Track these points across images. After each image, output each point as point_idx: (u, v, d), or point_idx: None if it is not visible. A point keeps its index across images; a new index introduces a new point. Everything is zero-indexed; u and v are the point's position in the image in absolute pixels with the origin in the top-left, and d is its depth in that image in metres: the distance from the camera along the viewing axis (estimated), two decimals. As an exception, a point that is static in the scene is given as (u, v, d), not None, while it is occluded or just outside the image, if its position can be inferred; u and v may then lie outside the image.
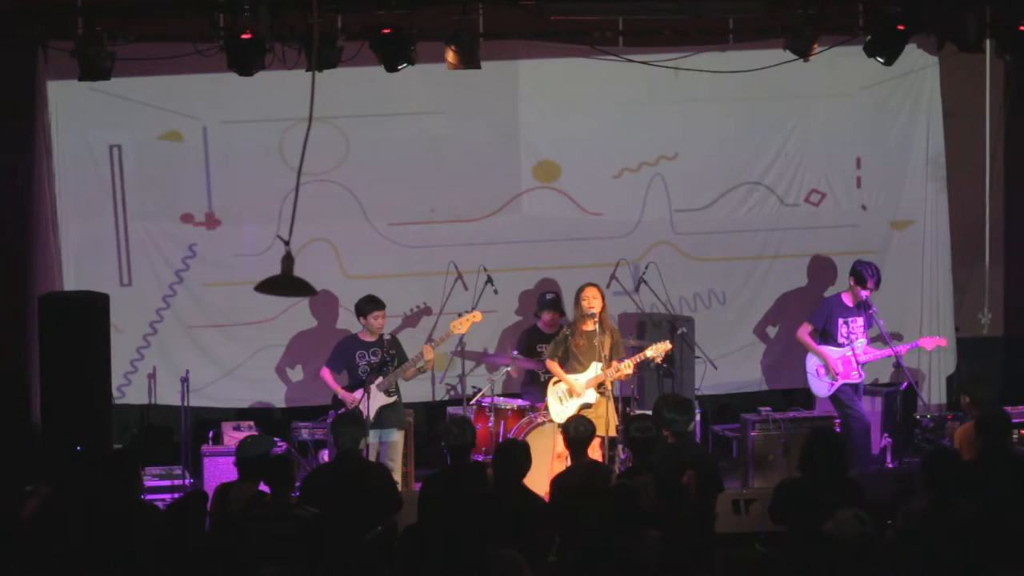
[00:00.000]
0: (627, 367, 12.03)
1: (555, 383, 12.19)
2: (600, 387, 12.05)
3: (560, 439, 11.88)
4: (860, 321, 12.57)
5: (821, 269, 14.04)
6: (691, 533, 8.90)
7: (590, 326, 12.08)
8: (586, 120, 13.71)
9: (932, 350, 13.25)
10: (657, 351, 12.07)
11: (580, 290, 12.17)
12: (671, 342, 12.30)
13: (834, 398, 12.62)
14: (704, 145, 13.89)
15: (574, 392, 12.05)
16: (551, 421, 12.08)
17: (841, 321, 12.57)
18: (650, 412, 10.62)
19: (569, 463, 10.92)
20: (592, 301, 12.05)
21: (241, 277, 13.07)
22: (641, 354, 12.07)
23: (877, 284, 12.52)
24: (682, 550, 8.51)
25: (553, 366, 12.20)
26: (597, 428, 11.12)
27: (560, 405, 12.09)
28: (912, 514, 8.54)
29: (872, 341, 12.72)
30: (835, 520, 7.84)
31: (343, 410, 11.77)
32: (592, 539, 7.98)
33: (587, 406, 11.96)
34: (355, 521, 9.06)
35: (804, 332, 12.72)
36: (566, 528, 8.93)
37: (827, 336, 12.62)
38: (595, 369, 12.05)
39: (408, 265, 13.56)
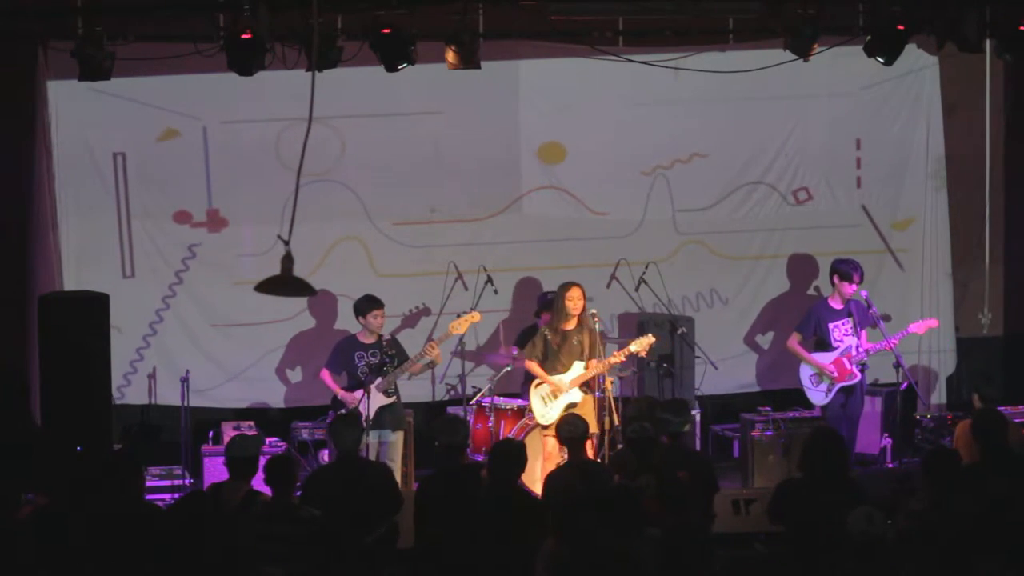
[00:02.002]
0: (616, 357, 11.99)
1: (537, 385, 12.14)
2: (584, 385, 12.05)
3: (548, 441, 11.93)
4: (851, 321, 12.54)
5: (803, 269, 14.03)
6: (692, 534, 8.90)
7: (570, 325, 12.06)
8: (586, 120, 13.70)
9: (925, 333, 13.18)
10: (641, 345, 12.05)
11: (564, 290, 12.05)
12: (655, 335, 12.25)
13: (824, 407, 12.58)
14: (704, 145, 13.88)
15: (559, 391, 12.01)
16: (538, 424, 12.07)
17: (832, 325, 12.53)
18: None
19: (560, 462, 10.96)
20: (576, 301, 12.02)
21: (241, 277, 13.08)
22: (625, 349, 12.04)
23: (862, 276, 12.51)
24: (683, 551, 8.51)
25: (533, 366, 12.13)
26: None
27: (544, 406, 12.05)
28: (912, 514, 8.54)
29: (871, 337, 12.69)
30: (852, 515, 7.87)
31: (342, 411, 11.78)
32: (588, 538, 7.97)
33: (572, 405, 11.94)
34: (357, 522, 9.06)
35: (793, 342, 12.69)
36: (560, 527, 8.92)
37: (822, 343, 12.59)
38: (578, 368, 12.03)
39: (409, 265, 13.55)
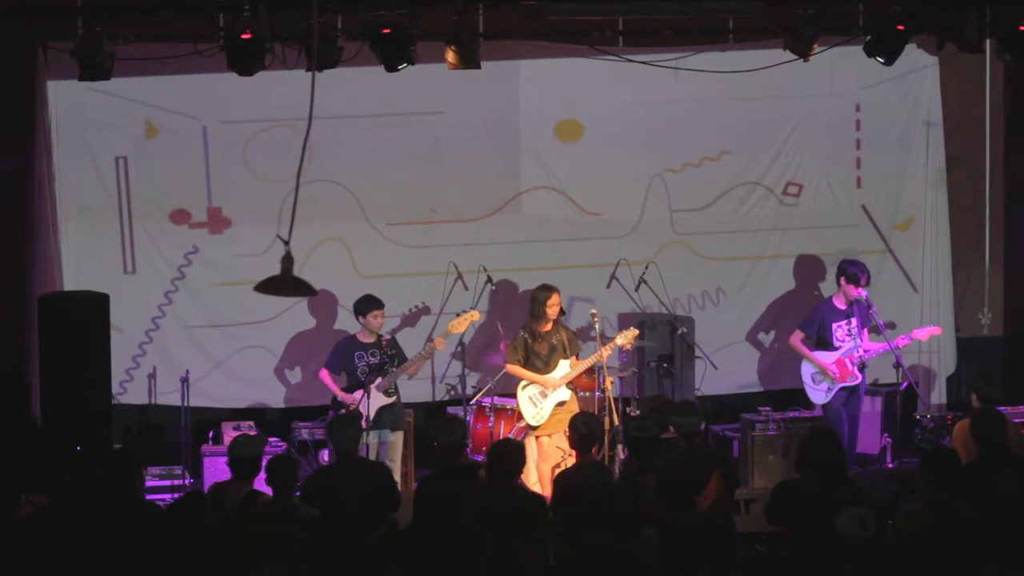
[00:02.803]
0: (605, 351, 12.01)
1: (524, 387, 12.13)
2: (569, 383, 12.07)
3: (542, 441, 11.93)
4: (854, 322, 12.54)
5: (809, 269, 14.03)
6: (696, 534, 8.90)
7: (548, 327, 12.09)
8: (586, 120, 13.70)
9: (928, 340, 13.20)
10: (626, 338, 12.07)
11: (546, 295, 12.03)
12: (637, 328, 12.27)
13: (824, 406, 12.58)
14: (704, 145, 13.88)
15: (550, 389, 12.00)
16: (528, 425, 12.06)
17: (835, 325, 12.53)
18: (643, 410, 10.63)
19: (559, 462, 10.96)
20: (556, 308, 12.07)
21: (241, 277, 13.08)
22: (612, 343, 12.07)
23: (869, 279, 12.52)
24: (684, 551, 8.51)
25: (517, 369, 12.13)
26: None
27: (534, 407, 12.04)
28: (911, 514, 8.53)
29: (868, 338, 12.69)
30: (841, 516, 7.86)
31: (342, 411, 11.79)
32: (591, 538, 7.97)
33: (561, 404, 11.95)
34: (357, 522, 9.06)
35: (796, 340, 12.67)
36: (566, 527, 8.92)
37: (823, 342, 12.58)
38: (565, 366, 12.04)
39: (408, 265, 13.55)
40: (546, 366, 12.07)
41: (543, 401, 12.03)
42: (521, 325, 12.28)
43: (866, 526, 7.82)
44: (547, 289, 12.09)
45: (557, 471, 11.48)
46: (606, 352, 12.04)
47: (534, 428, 12.01)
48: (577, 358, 12.06)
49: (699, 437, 10.08)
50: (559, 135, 13.73)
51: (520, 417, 12.28)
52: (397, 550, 9.10)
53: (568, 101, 13.66)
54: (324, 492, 9.30)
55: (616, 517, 8.14)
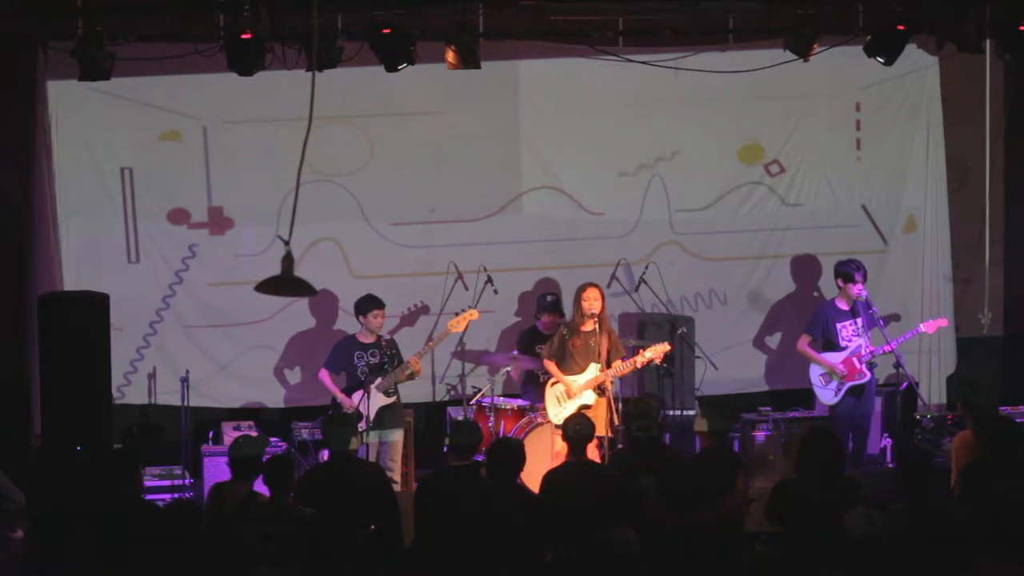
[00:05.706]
0: (630, 365, 12.03)
1: (553, 384, 12.19)
2: (598, 388, 12.05)
3: (557, 439, 11.93)
4: (859, 322, 12.56)
5: (809, 270, 14.02)
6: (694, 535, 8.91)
7: (589, 327, 12.09)
8: (586, 120, 13.71)
9: (934, 332, 13.18)
10: (656, 352, 12.07)
11: (580, 290, 12.19)
12: (670, 343, 12.30)
13: (833, 407, 12.58)
14: (704, 145, 13.88)
15: (571, 394, 12.05)
16: (549, 422, 12.08)
17: (840, 326, 12.55)
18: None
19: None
20: (593, 302, 12.06)
21: (241, 277, 13.07)
22: (640, 354, 12.07)
23: (865, 276, 12.54)
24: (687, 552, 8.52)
25: (551, 367, 12.20)
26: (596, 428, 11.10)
27: (558, 406, 12.08)
28: (893, 515, 8.54)
29: (873, 337, 12.70)
30: (851, 515, 7.86)
31: (343, 412, 11.79)
32: (585, 538, 7.96)
33: (585, 407, 11.95)
34: (348, 521, 9.05)
35: (803, 344, 12.69)
36: (556, 525, 8.91)
37: (830, 344, 12.60)
38: (593, 370, 12.04)
39: (408, 265, 13.56)
40: (579, 367, 12.09)
41: (568, 402, 12.05)
42: (525, 325, 12.28)
43: (875, 524, 7.82)
44: (583, 285, 12.18)
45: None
46: (635, 365, 12.04)
47: (558, 427, 12.01)
48: (608, 365, 12.04)
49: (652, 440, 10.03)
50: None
51: (522, 415, 12.29)
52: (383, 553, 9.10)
53: (559, 105, 13.65)
54: (316, 491, 9.27)
55: (616, 515, 8.12)
